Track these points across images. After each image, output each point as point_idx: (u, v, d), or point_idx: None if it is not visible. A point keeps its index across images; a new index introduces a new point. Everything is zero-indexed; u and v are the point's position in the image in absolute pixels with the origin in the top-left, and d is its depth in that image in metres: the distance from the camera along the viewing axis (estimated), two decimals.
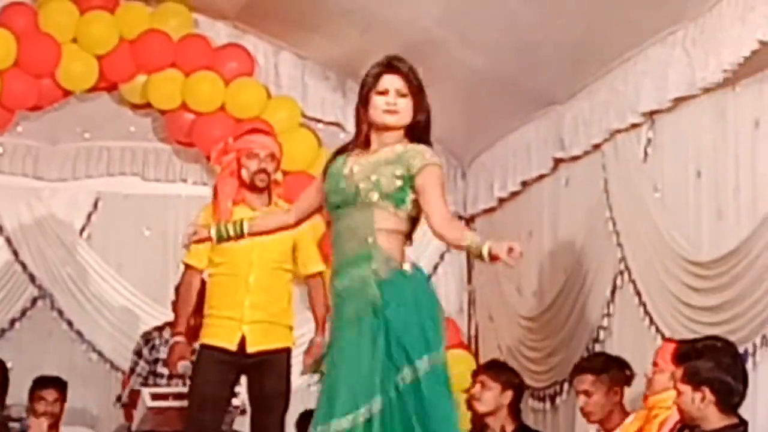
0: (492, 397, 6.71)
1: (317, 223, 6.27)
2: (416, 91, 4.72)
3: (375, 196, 4.61)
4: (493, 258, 4.35)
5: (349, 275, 4.63)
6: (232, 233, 5.11)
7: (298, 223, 5.10)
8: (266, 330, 6.27)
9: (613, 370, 6.12)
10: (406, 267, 4.66)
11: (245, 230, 5.09)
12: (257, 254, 6.22)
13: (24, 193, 8.67)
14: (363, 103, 4.74)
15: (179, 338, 6.50)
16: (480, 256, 4.39)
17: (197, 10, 8.61)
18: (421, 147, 4.69)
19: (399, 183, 4.62)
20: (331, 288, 4.78)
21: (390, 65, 4.74)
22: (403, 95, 4.70)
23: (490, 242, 4.39)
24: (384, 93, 4.70)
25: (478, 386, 6.75)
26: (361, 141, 4.74)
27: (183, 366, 6.50)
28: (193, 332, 6.57)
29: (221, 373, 6.25)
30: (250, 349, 6.21)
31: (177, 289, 6.77)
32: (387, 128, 4.70)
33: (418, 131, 4.73)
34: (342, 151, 4.80)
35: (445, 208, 4.62)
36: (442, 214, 4.57)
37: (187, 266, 6.50)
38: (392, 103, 4.68)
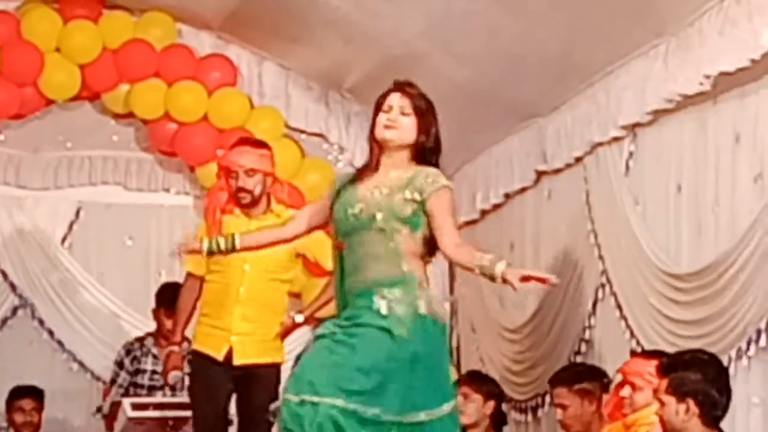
0: (475, 408, 6.71)
1: None
2: (422, 112, 4.77)
3: (392, 222, 4.66)
4: (505, 281, 4.44)
5: (380, 294, 4.66)
6: (222, 247, 5.12)
7: (294, 238, 5.12)
8: (255, 343, 6.24)
9: (585, 381, 6.13)
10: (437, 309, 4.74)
11: (237, 245, 5.10)
12: (250, 264, 6.20)
13: (5, 202, 8.65)
14: (372, 125, 4.82)
15: (174, 348, 6.48)
16: (492, 278, 4.47)
17: (181, 20, 8.61)
18: (431, 170, 4.74)
19: (412, 207, 4.67)
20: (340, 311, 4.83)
21: (397, 86, 4.84)
22: (406, 114, 4.75)
23: (502, 265, 4.48)
24: (387, 110, 4.76)
25: (460, 398, 6.74)
26: (372, 165, 4.80)
27: (174, 376, 6.48)
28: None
29: (210, 380, 6.21)
30: (237, 361, 6.19)
31: (179, 296, 6.72)
32: (389, 147, 4.75)
33: (424, 154, 4.77)
34: (354, 176, 4.85)
35: (455, 232, 4.70)
36: (452, 239, 4.65)
37: (188, 274, 6.50)
38: (393, 119, 4.74)
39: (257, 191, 6.32)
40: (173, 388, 7.27)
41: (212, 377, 6.21)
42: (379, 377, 4.57)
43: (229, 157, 6.40)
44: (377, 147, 4.79)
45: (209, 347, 6.23)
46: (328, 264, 6.08)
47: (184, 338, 6.60)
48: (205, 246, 5.16)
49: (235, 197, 6.31)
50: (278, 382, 6.23)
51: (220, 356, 6.19)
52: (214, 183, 6.55)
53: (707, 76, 5.81)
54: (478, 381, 6.92)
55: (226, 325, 6.21)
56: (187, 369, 6.53)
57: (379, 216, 4.66)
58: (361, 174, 4.84)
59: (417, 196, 4.67)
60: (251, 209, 6.34)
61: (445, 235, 4.64)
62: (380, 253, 4.67)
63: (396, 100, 4.79)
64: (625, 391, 5.44)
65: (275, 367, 6.26)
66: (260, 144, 6.58)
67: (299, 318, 6.30)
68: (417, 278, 4.69)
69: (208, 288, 6.36)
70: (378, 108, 4.81)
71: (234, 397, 6.36)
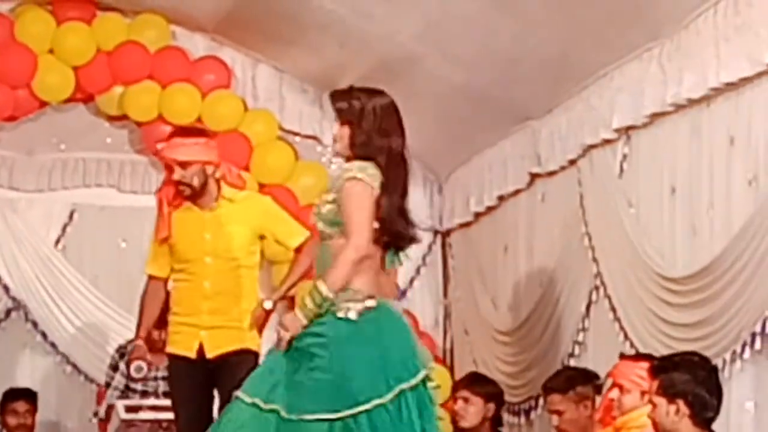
0: (476, 411, 6.71)
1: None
2: (350, 120, 4.79)
3: (326, 228, 4.72)
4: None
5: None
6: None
7: None
8: (225, 334, 6.12)
9: (578, 385, 6.13)
10: (370, 302, 4.70)
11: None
12: (212, 257, 6.03)
13: None
14: None
15: (139, 342, 6.38)
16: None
17: (175, 22, 8.61)
18: (348, 164, 4.77)
19: (335, 209, 4.71)
20: None
21: (330, 97, 4.89)
22: (341, 124, 4.80)
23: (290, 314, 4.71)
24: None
25: (461, 402, 6.74)
26: None
27: (136, 367, 6.32)
28: (163, 345, 6.50)
29: (188, 379, 6.13)
30: (209, 354, 6.09)
31: (141, 299, 6.65)
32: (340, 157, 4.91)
33: (360, 152, 4.79)
34: None
35: (357, 233, 4.65)
36: (352, 243, 4.65)
37: (150, 277, 6.40)
38: (335, 133, 4.82)
39: (195, 182, 6.05)
40: (156, 393, 7.22)
41: (189, 377, 6.12)
42: None
43: (163, 151, 6.17)
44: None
45: (181, 347, 6.12)
46: (290, 242, 6.10)
47: (149, 334, 6.47)
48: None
49: (177, 191, 6.11)
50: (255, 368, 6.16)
51: (192, 353, 6.09)
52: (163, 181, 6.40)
53: (702, 79, 5.83)
54: (477, 383, 6.89)
55: (195, 321, 6.08)
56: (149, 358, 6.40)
57: (319, 225, 4.76)
58: None
59: (333, 196, 4.73)
60: (199, 200, 6.11)
61: (347, 232, 4.65)
62: (323, 262, 4.76)
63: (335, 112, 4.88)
64: (614, 393, 5.45)
65: (251, 354, 6.06)
66: (195, 133, 6.32)
67: (268, 304, 6.17)
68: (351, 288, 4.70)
69: (175, 288, 6.25)
70: None
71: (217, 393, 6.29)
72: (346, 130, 4.78)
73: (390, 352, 4.65)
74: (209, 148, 6.18)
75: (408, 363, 4.67)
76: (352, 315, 4.66)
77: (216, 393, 6.22)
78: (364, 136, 4.76)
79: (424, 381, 4.69)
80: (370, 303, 4.67)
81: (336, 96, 4.87)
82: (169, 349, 6.21)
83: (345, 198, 4.67)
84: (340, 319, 4.66)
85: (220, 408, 6.22)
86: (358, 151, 4.76)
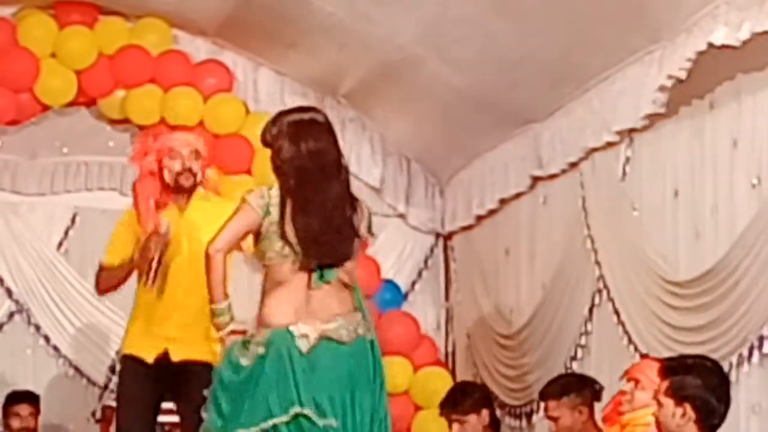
0: (473, 426, 6.71)
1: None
2: (267, 144, 4.89)
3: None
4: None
5: None
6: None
7: None
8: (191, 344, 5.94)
9: (573, 391, 6.13)
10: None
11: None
12: (186, 264, 5.84)
13: (1, 208, 8.62)
14: None
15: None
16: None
17: (176, 26, 8.61)
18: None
19: None
20: None
21: None
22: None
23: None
24: None
25: (456, 426, 6.73)
26: None
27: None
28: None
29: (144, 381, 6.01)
30: (174, 358, 5.93)
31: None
32: None
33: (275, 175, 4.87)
34: None
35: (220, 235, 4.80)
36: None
37: (108, 267, 6.22)
38: None
39: (200, 176, 6.01)
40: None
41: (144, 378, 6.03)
42: None
43: (171, 136, 6.13)
44: None
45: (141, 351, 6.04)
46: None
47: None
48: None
49: (175, 181, 5.94)
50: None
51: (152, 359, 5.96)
52: (141, 173, 6.25)
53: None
54: (464, 403, 6.80)
55: (162, 332, 5.94)
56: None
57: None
58: None
59: None
60: (186, 194, 5.98)
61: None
62: None
63: None
64: (627, 386, 5.44)
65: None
66: (199, 132, 6.32)
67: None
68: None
69: (140, 293, 6.09)
70: None
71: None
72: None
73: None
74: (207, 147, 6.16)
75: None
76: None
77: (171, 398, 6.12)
78: (276, 160, 4.84)
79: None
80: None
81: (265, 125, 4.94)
82: (127, 350, 6.06)
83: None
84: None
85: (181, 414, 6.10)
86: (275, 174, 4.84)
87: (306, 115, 4.88)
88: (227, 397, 4.75)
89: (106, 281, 6.31)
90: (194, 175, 5.97)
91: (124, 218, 6.18)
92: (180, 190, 5.98)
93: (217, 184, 6.34)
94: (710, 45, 5.69)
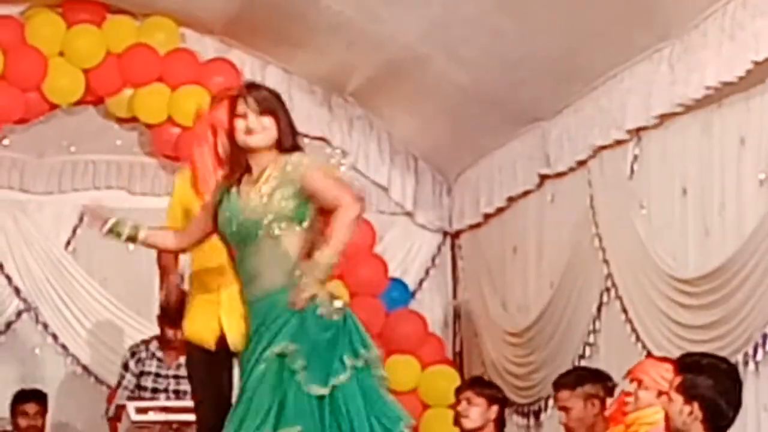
0: (479, 413, 6.71)
1: None
2: (274, 110, 4.73)
3: (281, 225, 4.64)
4: None
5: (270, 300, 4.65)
6: (125, 235, 4.99)
7: (181, 250, 5.12)
8: None
9: (588, 383, 6.13)
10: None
11: (140, 237, 4.97)
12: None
13: (9, 206, 8.63)
14: (230, 131, 4.78)
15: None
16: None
17: (184, 25, 8.63)
18: (292, 157, 4.69)
19: (295, 202, 4.65)
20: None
21: (245, 89, 4.82)
22: (263, 115, 4.71)
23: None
24: (243, 116, 4.72)
25: (464, 403, 6.75)
26: (243, 170, 4.75)
27: None
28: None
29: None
30: None
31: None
32: (255, 150, 4.72)
33: (287, 142, 4.74)
34: (230, 184, 4.77)
35: (344, 190, 4.65)
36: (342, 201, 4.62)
37: None
38: (252, 124, 4.69)
39: None
40: (167, 392, 7.19)
41: None
42: None
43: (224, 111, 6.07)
44: (241, 152, 4.76)
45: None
46: None
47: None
48: (110, 225, 5.04)
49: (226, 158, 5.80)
50: None
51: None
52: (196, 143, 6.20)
53: (712, 80, 5.83)
54: (481, 386, 6.92)
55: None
56: None
57: (264, 221, 4.65)
58: (236, 180, 4.77)
59: (293, 188, 4.65)
60: None
61: (337, 198, 4.62)
62: (272, 259, 4.66)
63: (249, 103, 4.74)
64: (631, 386, 5.44)
65: None
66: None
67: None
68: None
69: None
70: (232, 114, 4.78)
71: None
72: (269, 121, 4.70)
73: None
74: None
75: None
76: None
77: None
78: (289, 126, 4.74)
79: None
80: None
81: (251, 87, 4.83)
82: None
83: (312, 179, 4.63)
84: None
85: None
86: (285, 141, 4.72)
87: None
88: None
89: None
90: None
91: (178, 186, 6.10)
92: None
93: None
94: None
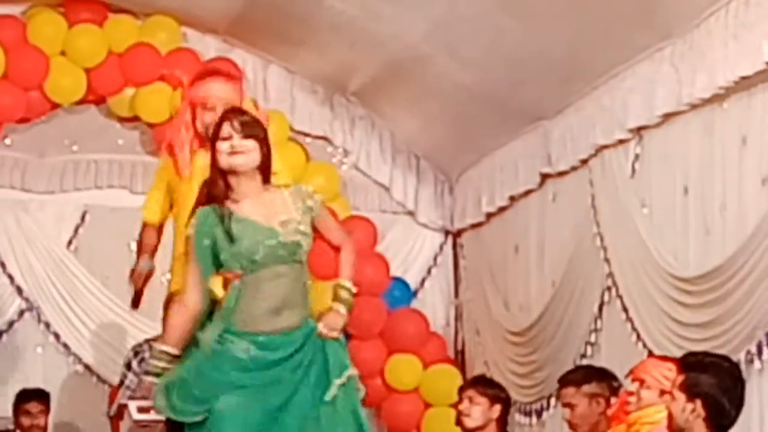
0: (481, 412, 6.69)
1: None
2: (257, 135, 4.80)
3: (304, 249, 4.77)
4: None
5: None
6: (161, 365, 5.10)
7: (200, 310, 4.88)
8: None
9: (594, 381, 6.13)
10: None
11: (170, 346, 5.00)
12: None
13: (11, 205, 8.63)
14: (212, 154, 4.83)
15: None
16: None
17: (186, 24, 8.63)
18: (302, 188, 4.91)
19: (309, 232, 4.81)
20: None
21: (228, 113, 4.89)
22: (246, 138, 4.77)
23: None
24: (228, 138, 4.77)
25: (466, 402, 6.74)
26: (225, 194, 4.78)
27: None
28: None
29: None
30: None
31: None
32: (238, 173, 4.77)
33: (267, 170, 4.84)
34: (222, 210, 4.75)
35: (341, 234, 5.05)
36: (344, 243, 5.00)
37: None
38: (237, 145, 4.75)
39: None
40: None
41: None
42: None
43: (206, 86, 5.81)
44: (222, 176, 4.77)
45: None
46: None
47: None
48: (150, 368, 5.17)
49: (206, 134, 5.56)
50: None
51: None
52: (174, 120, 6.04)
53: (714, 79, 5.83)
54: (483, 385, 6.90)
55: None
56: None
57: (304, 245, 4.76)
58: (226, 212, 4.74)
59: (308, 219, 4.81)
60: None
61: (344, 237, 5.01)
62: (300, 284, 4.79)
63: (234, 126, 4.78)
64: (633, 386, 5.44)
65: None
66: (232, 76, 6.03)
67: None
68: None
69: None
70: (216, 137, 4.81)
71: None
72: (253, 144, 4.75)
73: None
74: (242, 95, 5.94)
75: None
76: None
77: None
78: (269, 154, 4.83)
79: None
80: None
81: (236, 112, 4.90)
82: None
83: (325, 216, 4.93)
84: None
85: None
86: (265, 168, 4.80)
87: None
88: None
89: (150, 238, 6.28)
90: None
91: (160, 168, 6.10)
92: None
93: None
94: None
